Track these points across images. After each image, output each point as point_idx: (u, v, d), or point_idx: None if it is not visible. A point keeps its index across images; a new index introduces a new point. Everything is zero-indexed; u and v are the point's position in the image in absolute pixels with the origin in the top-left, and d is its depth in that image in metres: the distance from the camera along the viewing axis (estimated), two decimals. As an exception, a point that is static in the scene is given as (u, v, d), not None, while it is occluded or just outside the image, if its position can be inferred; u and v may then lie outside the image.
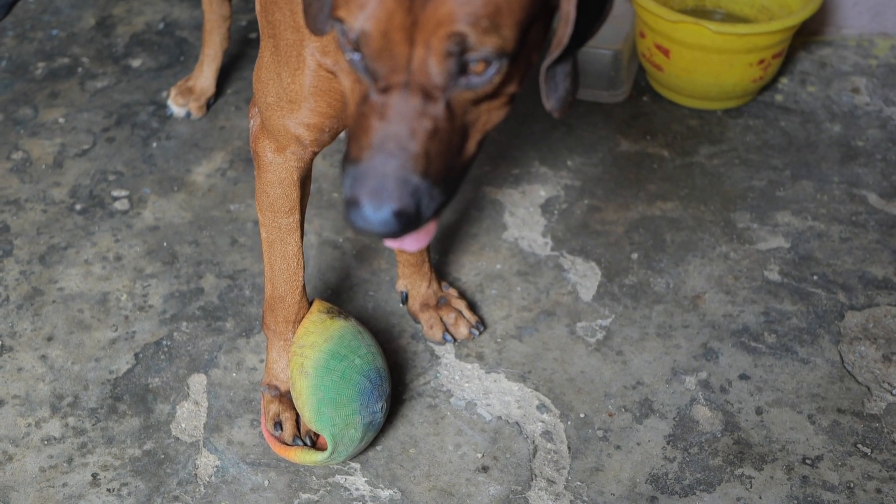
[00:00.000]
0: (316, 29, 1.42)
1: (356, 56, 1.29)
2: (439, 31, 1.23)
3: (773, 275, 2.36)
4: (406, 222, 1.27)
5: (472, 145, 1.34)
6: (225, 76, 2.85)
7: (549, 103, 1.42)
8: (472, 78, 1.27)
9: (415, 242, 1.37)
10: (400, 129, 1.26)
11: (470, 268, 2.38)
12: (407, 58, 1.25)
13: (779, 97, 2.88)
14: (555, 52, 1.36)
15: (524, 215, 2.51)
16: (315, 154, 1.84)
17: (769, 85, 2.90)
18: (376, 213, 1.26)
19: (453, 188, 1.32)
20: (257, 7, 1.77)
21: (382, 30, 1.24)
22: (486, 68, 1.26)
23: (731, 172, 2.64)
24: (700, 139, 2.73)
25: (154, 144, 2.67)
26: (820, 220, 2.50)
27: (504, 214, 2.51)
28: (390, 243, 1.38)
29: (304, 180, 1.89)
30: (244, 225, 2.46)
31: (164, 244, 2.42)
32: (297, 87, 1.69)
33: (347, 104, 1.35)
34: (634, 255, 2.41)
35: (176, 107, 2.74)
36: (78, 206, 2.50)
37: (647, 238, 2.46)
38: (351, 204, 1.27)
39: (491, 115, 1.34)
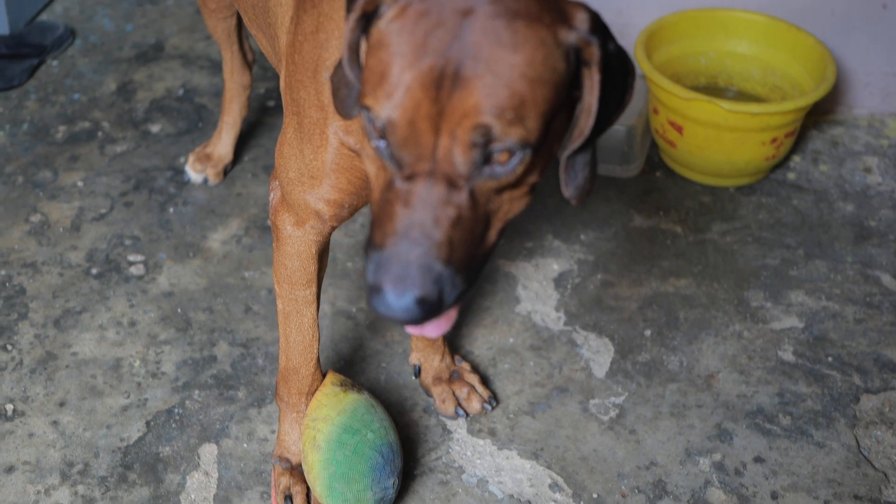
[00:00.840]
0: (344, 113, 1.44)
1: (382, 143, 1.30)
2: (465, 123, 1.25)
3: (788, 355, 2.36)
4: (428, 309, 1.28)
5: (493, 234, 1.35)
6: (242, 143, 2.88)
7: (568, 191, 1.43)
8: (495, 167, 1.29)
9: (436, 329, 1.38)
10: (424, 217, 1.27)
11: (483, 341, 2.38)
12: (432, 147, 1.27)
13: (791, 175, 2.90)
14: (576, 142, 1.38)
15: (537, 289, 2.52)
16: (334, 228, 1.86)
17: (782, 163, 2.92)
18: (399, 299, 1.27)
19: (475, 276, 1.33)
20: (282, 84, 1.79)
21: (409, 119, 1.26)
22: (509, 158, 1.28)
23: (744, 250, 2.65)
24: (713, 216, 2.75)
25: (171, 210, 2.69)
26: (834, 301, 2.51)
27: (517, 288, 2.52)
28: (411, 329, 1.39)
29: (322, 253, 1.90)
30: (258, 293, 2.47)
31: (179, 310, 2.42)
32: (319, 163, 1.71)
33: (371, 189, 1.37)
34: (648, 332, 2.41)
35: (194, 173, 2.77)
36: (94, 271, 2.51)
37: (660, 315, 2.46)
38: (374, 290, 1.28)
39: (513, 205, 1.36)
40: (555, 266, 2.58)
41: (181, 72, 3.16)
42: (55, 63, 3.16)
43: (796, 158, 2.95)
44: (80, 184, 2.76)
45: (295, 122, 1.73)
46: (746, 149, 2.72)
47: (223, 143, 2.77)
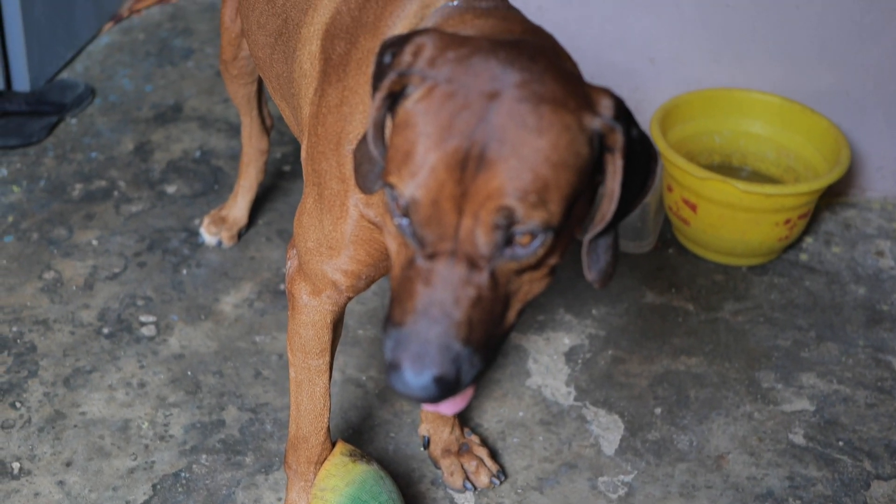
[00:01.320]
0: (366, 188, 1.45)
1: (404, 221, 1.31)
2: (488, 204, 1.26)
3: (798, 438, 2.35)
4: (446, 388, 1.28)
5: (512, 314, 1.36)
6: (258, 207, 2.89)
7: (591, 274, 1.44)
8: (517, 249, 1.30)
9: (452, 407, 1.38)
10: (444, 296, 1.28)
11: (492, 414, 2.37)
12: (455, 227, 1.28)
13: (804, 256, 2.90)
14: (598, 226, 1.39)
15: (548, 363, 2.52)
16: (350, 299, 1.86)
17: (794, 244, 2.92)
18: (417, 378, 1.27)
19: (493, 355, 1.33)
20: (303, 154, 1.81)
21: (433, 199, 1.27)
22: (531, 241, 1.29)
23: (755, 330, 2.64)
24: (725, 295, 2.75)
25: (184, 271, 2.70)
26: (845, 385, 2.50)
27: (528, 361, 2.51)
28: (428, 407, 1.39)
29: (337, 323, 1.91)
30: (269, 357, 2.47)
31: (189, 373, 2.42)
32: (339, 234, 1.72)
33: (392, 265, 1.37)
34: (658, 410, 2.41)
35: (208, 235, 2.78)
36: (105, 330, 2.51)
37: (670, 393, 2.45)
38: (392, 367, 1.29)
39: (532, 286, 1.36)
40: (566, 340, 2.58)
41: (199, 133, 3.18)
42: (74, 121, 3.18)
43: (809, 240, 2.96)
44: (94, 242, 2.77)
45: (315, 193, 1.75)
46: (760, 229, 2.73)
47: (238, 207, 2.79)
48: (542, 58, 1.33)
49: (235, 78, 2.55)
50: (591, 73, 3.01)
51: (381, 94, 1.35)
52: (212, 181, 3.01)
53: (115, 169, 3.02)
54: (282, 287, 2.67)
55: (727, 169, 3.02)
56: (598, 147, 1.34)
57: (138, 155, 3.08)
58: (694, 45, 2.95)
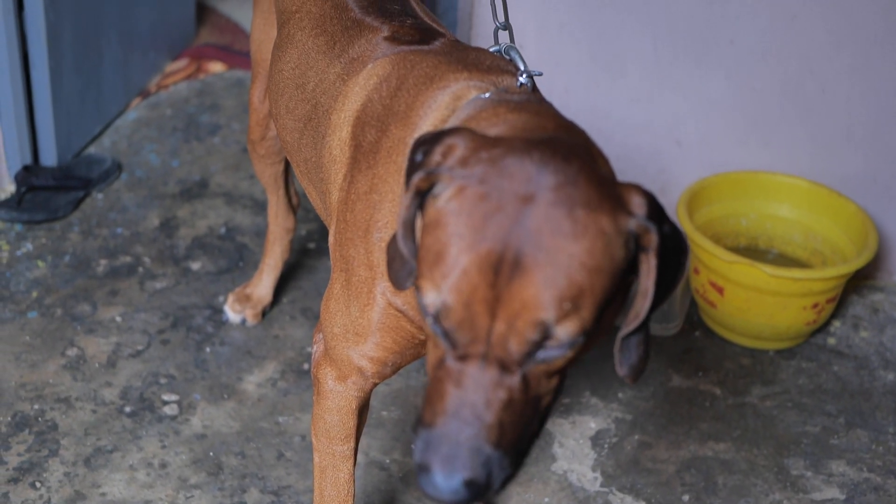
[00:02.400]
0: (398, 285, 1.44)
1: (436, 322, 1.30)
2: (524, 315, 1.25)
3: (829, 530, 2.31)
4: (475, 492, 1.26)
5: (542, 415, 1.34)
6: (282, 285, 2.89)
7: (622, 370, 1.42)
8: (549, 352, 1.29)
9: None
10: (476, 399, 1.27)
11: (518, 500, 2.34)
12: (487, 330, 1.27)
13: (832, 340, 2.87)
14: (632, 324, 1.38)
15: (574, 447, 2.48)
16: (375, 385, 1.84)
17: (822, 328, 2.89)
18: (447, 481, 1.25)
19: (522, 459, 1.32)
20: (331, 239, 1.80)
21: (465, 302, 1.26)
22: (563, 345, 1.28)
23: (784, 416, 2.61)
24: (752, 379, 2.72)
25: (208, 349, 2.69)
26: (876, 473, 2.46)
27: (553, 445, 2.48)
28: None
29: (363, 409, 1.89)
30: (292, 439, 2.44)
31: (211, 454, 2.40)
32: (365, 321, 1.71)
33: (427, 363, 1.36)
34: (686, 497, 2.37)
35: (232, 313, 2.77)
36: (127, 409, 2.50)
37: (698, 479, 2.41)
38: (422, 469, 1.27)
39: (561, 386, 1.35)
40: (592, 424, 2.55)
41: (224, 210, 3.19)
42: (100, 196, 3.20)
43: (837, 323, 2.93)
44: (118, 319, 2.76)
45: (343, 279, 1.74)
46: (787, 313, 2.70)
47: (263, 285, 2.78)
48: (575, 159, 1.32)
49: (262, 157, 2.55)
50: (618, 154, 3.01)
51: (409, 193, 1.34)
52: (237, 258, 3.01)
53: (140, 245, 3.02)
54: (305, 366, 2.65)
55: (754, 251, 3.00)
56: (633, 247, 1.33)
57: (163, 231, 3.08)
58: (720, 128, 2.96)
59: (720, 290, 2.74)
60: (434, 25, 1.90)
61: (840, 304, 2.97)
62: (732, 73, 2.88)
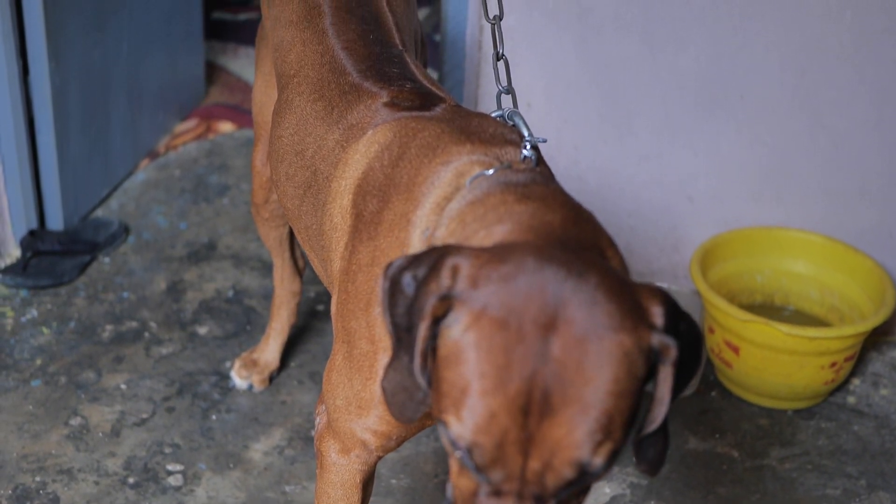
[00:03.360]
0: (404, 418, 1.39)
1: (465, 455, 1.26)
2: (559, 455, 1.22)
3: None
4: None
5: None
6: (290, 348, 2.84)
7: (642, 466, 1.39)
8: (584, 478, 1.25)
9: None
10: None
11: (530, 571, 2.27)
12: (521, 468, 1.24)
13: (851, 399, 2.80)
14: (649, 428, 1.34)
15: (588, 515, 2.41)
16: (380, 458, 1.79)
17: (841, 386, 2.83)
18: None
19: None
20: (333, 308, 1.76)
21: (496, 443, 1.23)
22: (597, 470, 1.25)
23: (803, 479, 2.54)
24: (771, 440, 2.65)
25: (213, 417, 2.64)
26: (900, 540, 2.38)
27: (567, 513, 2.41)
28: None
29: (367, 482, 1.83)
30: (298, 509, 2.39)
31: (215, 526, 2.34)
32: (368, 395, 1.66)
33: (454, 487, 1.31)
34: (703, 567, 2.30)
35: (239, 379, 2.73)
36: (131, 480, 2.45)
37: (716, 548, 2.35)
38: None
39: (588, 492, 1.32)
40: (607, 490, 2.49)
41: (232, 272, 3.16)
42: (107, 260, 3.17)
43: (856, 381, 2.86)
44: (123, 386, 2.72)
45: (345, 350, 1.69)
46: (805, 372, 2.64)
47: (270, 350, 2.74)
48: (591, 271, 1.27)
49: (266, 221, 2.52)
50: (629, 211, 2.97)
51: (425, 323, 1.27)
52: (244, 321, 2.97)
53: (146, 309, 2.99)
54: (313, 433, 2.60)
55: (769, 308, 2.95)
56: (654, 359, 1.29)
57: (170, 295, 3.05)
58: (733, 184, 2.91)
59: (736, 350, 2.69)
60: (434, 89, 1.87)
61: (859, 361, 2.90)
62: (743, 129, 2.84)
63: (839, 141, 2.82)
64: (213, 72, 4.23)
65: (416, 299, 1.32)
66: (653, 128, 2.87)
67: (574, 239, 1.36)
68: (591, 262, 1.29)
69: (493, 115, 1.79)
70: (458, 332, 1.26)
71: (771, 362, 2.65)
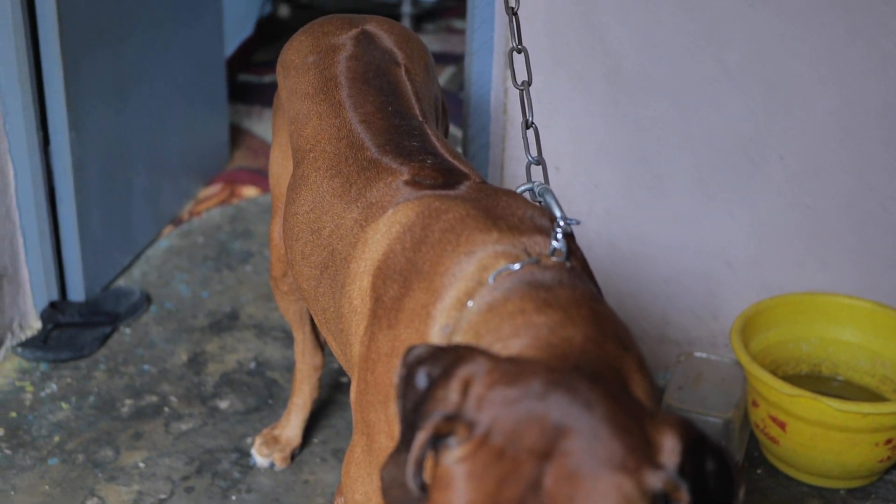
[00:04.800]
0: None
1: None
2: None
3: None
4: None
5: None
6: (313, 423, 2.74)
7: None
8: None
9: None
10: None
11: None
12: None
13: (906, 474, 2.66)
14: None
15: None
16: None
17: None
18: None
19: None
20: (353, 395, 1.67)
21: None
22: None
23: (857, 563, 2.39)
24: (821, 521, 2.51)
25: (234, 497, 2.53)
26: None
27: None
28: None
29: (388, 580, 1.72)
30: None
31: None
32: (388, 490, 1.55)
33: None
34: None
35: (260, 457, 2.62)
36: (147, 567, 2.34)
37: None
38: None
39: None
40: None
41: (254, 343, 3.06)
42: (128, 331, 3.08)
43: (910, 456, 2.71)
44: (141, 465, 2.62)
45: (364, 443, 1.59)
46: (858, 450, 2.50)
47: (292, 426, 2.63)
48: (600, 401, 1.18)
49: (286, 294, 2.43)
50: (665, 277, 2.86)
51: (424, 436, 1.19)
52: (266, 395, 2.87)
53: (166, 383, 2.89)
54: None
55: (816, 379, 2.81)
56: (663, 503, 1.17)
57: (191, 367, 2.96)
58: (774, 248, 2.79)
59: (782, 426, 2.55)
60: (457, 164, 1.77)
61: (912, 433, 2.75)
62: (784, 190, 2.73)
63: (886, 202, 2.69)
64: (237, 135, 4.17)
65: (424, 401, 1.24)
66: (687, 191, 2.76)
67: (593, 360, 1.26)
68: (603, 389, 1.20)
69: (522, 189, 1.69)
70: (454, 459, 1.17)
71: (821, 439, 2.51)
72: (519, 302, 1.36)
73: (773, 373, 2.72)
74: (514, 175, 2.80)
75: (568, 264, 1.47)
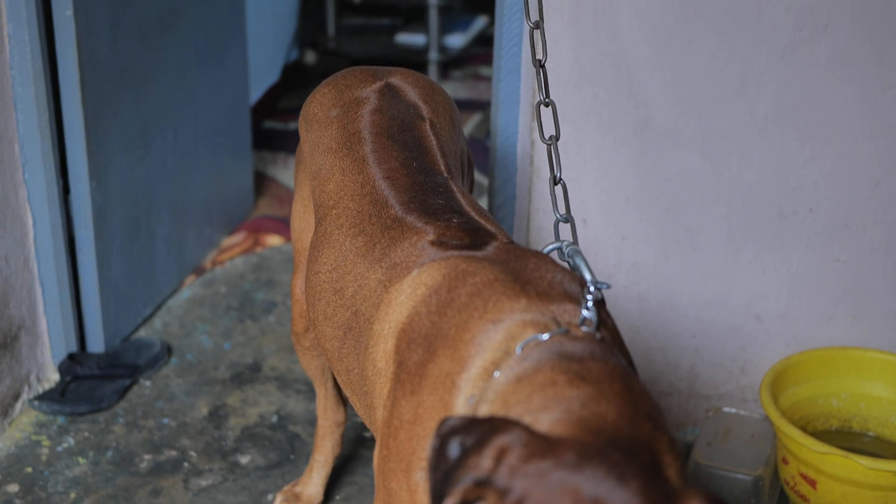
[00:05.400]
0: None
1: None
2: None
3: None
4: None
5: None
6: (335, 479, 2.69)
7: None
8: None
9: None
10: None
11: None
12: None
13: (941, 535, 2.58)
14: None
15: None
16: None
17: (930, 521, 2.61)
18: None
19: None
20: (375, 459, 1.63)
21: None
22: None
23: None
24: (854, 584, 2.44)
25: (253, 556, 2.49)
26: None
27: None
28: None
29: None
30: None
31: None
32: (410, 562, 1.51)
33: None
34: None
35: (280, 514, 2.58)
36: None
37: None
38: None
39: None
40: None
41: (276, 396, 3.02)
42: (148, 383, 3.05)
43: (945, 516, 2.64)
44: (159, 522, 2.58)
45: (383, 500, 1.55)
46: (891, 510, 2.43)
47: (313, 483, 2.59)
48: (634, 478, 1.15)
49: (307, 350, 2.39)
50: (693, 331, 2.81)
51: (453, 501, 1.17)
52: (288, 450, 2.82)
53: (186, 437, 2.85)
54: (358, 575, 2.44)
55: (847, 435, 2.75)
56: None
57: (212, 421, 2.92)
58: (804, 302, 2.74)
59: (813, 484, 2.49)
60: (483, 222, 1.73)
61: (948, 492, 2.68)
62: (814, 244, 2.68)
63: (918, 256, 2.65)
64: (262, 182, 4.16)
65: (455, 469, 1.21)
66: (716, 244, 2.71)
67: (626, 438, 1.23)
68: (636, 466, 1.17)
69: (550, 248, 1.65)
70: None
71: (853, 498, 2.44)
72: (549, 374, 1.33)
73: (803, 428, 2.67)
74: (541, 227, 2.76)
75: (598, 335, 1.43)
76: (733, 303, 2.77)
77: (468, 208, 1.77)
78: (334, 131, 1.97)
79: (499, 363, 1.41)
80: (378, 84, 2.07)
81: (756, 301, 2.76)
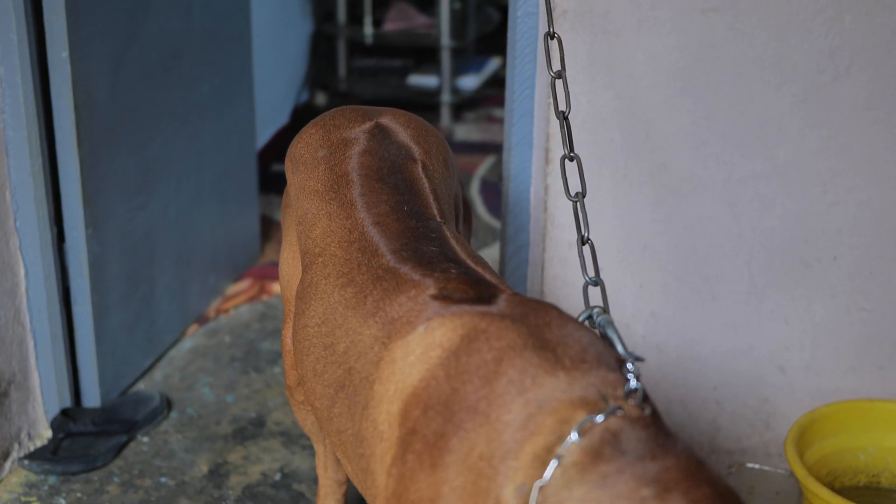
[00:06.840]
0: None
1: None
2: None
3: None
4: None
5: None
6: (338, 541, 2.57)
7: None
8: None
9: None
10: None
11: None
12: None
13: None
14: None
15: None
16: None
17: (967, 585, 2.47)
18: None
19: None
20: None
21: None
22: None
23: None
24: None
25: None
26: None
27: None
28: None
29: None
30: None
31: None
32: None
33: None
34: None
35: (280, 579, 2.45)
36: None
37: None
38: None
39: None
40: None
41: (281, 452, 2.91)
42: (146, 439, 2.94)
43: (983, 580, 2.50)
44: (154, 587, 2.46)
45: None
46: (926, 576, 2.29)
47: (315, 546, 2.47)
48: None
49: (302, 405, 2.28)
50: (715, 383, 2.69)
51: None
52: (290, 510, 2.71)
53: (185, 497, 2.74)
54: None
55: (875, 491, 2.62)
56: None
57: (212, 479, 2.80)
58: (828, 353, 2.62)
59: (842, 545, 2.35)
60: (482, 272, 1.63)
61: None
62: (839, 293, 2.56)
63: (949, 304, 2.52)
64: (268, 227, 4.07)
65: None
66: (738, 293, 2.60)
67: None
68: None
69: (582, 318, 1.54)
70: None
71: (883, 562, 2.31)
72: (632, 484, 1.23)
73: (830, 485, 2.54)
74: (555, 276, 2.65)
75: (647, 411, 1.32)
76: (756, 354, 2.65)
77: (464, 256, 1.66)
78: (321, 173, 1.87)
79: (552, 449, 1.30)
80: (368, 124, 1.97)
81: (779, 352, 2.64)
